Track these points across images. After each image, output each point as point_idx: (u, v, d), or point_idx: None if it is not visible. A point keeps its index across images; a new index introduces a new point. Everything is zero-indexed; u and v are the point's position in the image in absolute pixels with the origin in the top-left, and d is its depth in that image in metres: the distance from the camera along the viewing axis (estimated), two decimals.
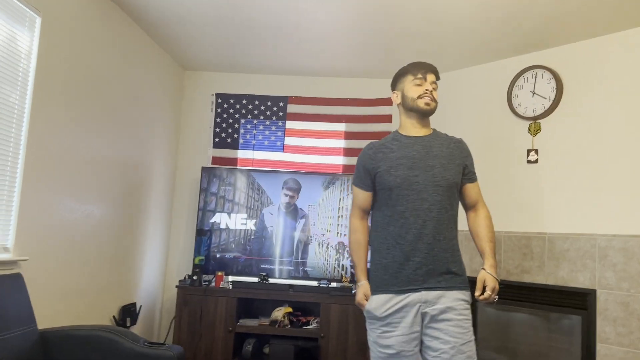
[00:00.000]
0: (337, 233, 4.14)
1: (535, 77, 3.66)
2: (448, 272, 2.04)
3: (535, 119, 3.64)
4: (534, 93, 3.66)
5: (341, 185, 4.17)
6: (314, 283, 4.09)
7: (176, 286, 4.01)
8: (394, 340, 2.00)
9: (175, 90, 4.53)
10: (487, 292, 2.00)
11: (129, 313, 3.70)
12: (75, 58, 2.96)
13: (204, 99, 4.68)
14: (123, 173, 3.61)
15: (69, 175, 2.96)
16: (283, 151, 4.52)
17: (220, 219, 4.22)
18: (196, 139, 4.66)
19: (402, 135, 2.19)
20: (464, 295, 2.05)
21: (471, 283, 2.09)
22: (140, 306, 3.95)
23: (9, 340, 2.16)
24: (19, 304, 2.29)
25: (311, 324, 3.97)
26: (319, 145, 4.49)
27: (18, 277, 2.36)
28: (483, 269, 2.05)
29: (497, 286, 2.02)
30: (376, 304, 2.05)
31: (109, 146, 3.39)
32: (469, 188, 2.20)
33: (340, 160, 4.46)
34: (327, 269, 4.12)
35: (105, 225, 3.40)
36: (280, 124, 4.54)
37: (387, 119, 4.43)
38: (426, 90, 2.14)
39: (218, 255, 4.18)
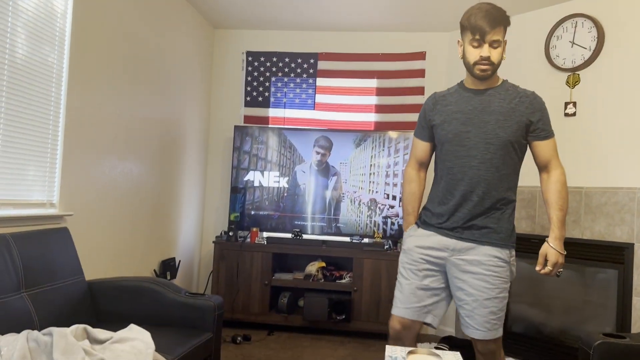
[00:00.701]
0: (369, 190, 4.16)
1: (575, 26, 3.53)
2: (485, 227, 2.00)
3: (574, 70, 3.53)
4: (573, 43, 3.53)
5: (373, 142, 4.17)
6: (347, 239, 4.15)
7: (213, 242, 4.13)
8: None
9: (206, 49, 4.55)
10: (548, 267, 1.94)
11: (168, 267, 3.85)
12: (109, 18, 2.99)
13: (234, 58, 4.68)
14: (159, 131, 3.69)
15: (107, 133, 3.04)
16: (314, 109, 4.52)
17: (254, 177, 4.29)
18: (228, 97, 4.69)
19: (464, 87, 2.07)
20: (499, 252, 1.99)
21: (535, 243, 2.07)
22: (179, 261, 4.09)
23: (61, 289, 2.28)
24: (68, 256, 2.41)
25: (344, 278, 4.05)
26: (350, 102, 4.46)
27: (65, 231, 2.48)
28: (546, 241, 1.98)
29: (561, 260, 1.94)
30: (413, 232, 2.14)
31: (143, 105, 3.45)
32: (537, 147, 2.02)
33: (371, 117, 4.43)
34: (359, 226, 4.16)
35: (143, 183, 3.50)
36: (310, 81, 4.52)
37: (420, 73, 4.36)
38: (482, 57, 1.93)
39: (252, 212, 4.26)
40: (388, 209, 4.12)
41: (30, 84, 2.40)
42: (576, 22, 3.52)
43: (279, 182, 4.28)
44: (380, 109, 4.42)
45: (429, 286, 2.06)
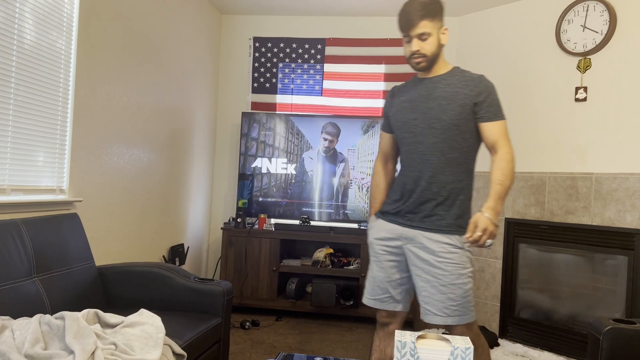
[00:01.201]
0: None
1: (587, 10, 3.48)
2: (434, 214, 2.01)
3: (585, 54, 3.48)
4: (584, 27, 3.48)
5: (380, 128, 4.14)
6: (354, 225, 4.15)
7: (221, 228, 4.14)
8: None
9: (213, 35, 4.52)
10: (477, 232, 1.86)
11: (177, 253, 3.86)
12: (116, 3, 2.98)
13: (241, 43, 4.66)
14: (167, 118, 3.69)
15: (115, 119, 3.04)
16: (321, 95, 4.50)
17: (262, 164, 4.29)
18: (235, 84, 4.67)
19: (416, 78, 2.13)
20: (449, 239, 1.98)
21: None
22: (188, 247, 4.11)
23: (72, 274, 2.30)
24: (78, 242, 2.43)
25: (352, 265, 4.06)
26: (358, 88, 4.44)
27: (75, 217, 2.49)
28: (480, 210, 1.93)
29: (491, 228, 1.86)
30: (372, 223, 2.18)
31: (151, 91, 3.45)
32: (483, 128, 2.02)
33: (379, 103, 4.41)
34: (367, 212, 4.16)
35: (152, 169, 3.50)
36: (318, 67, 4.50)
37: None
38: (412, 51, 2.01)
39: (260, 199, 4.27)
40: None
41: (38, 70, 2.40)
42: (588, 5, 3.47)
43: (286, 168, 4.28)
44: None
45: (392, 277, 2.10)
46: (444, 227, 1.99)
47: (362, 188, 4.17)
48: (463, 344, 1.68)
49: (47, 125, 2.49)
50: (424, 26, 1.98)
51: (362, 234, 3.99)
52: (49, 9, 2.45)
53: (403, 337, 1.71)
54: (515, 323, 3.72)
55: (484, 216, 1.88)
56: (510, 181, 1.95)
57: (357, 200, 4.18)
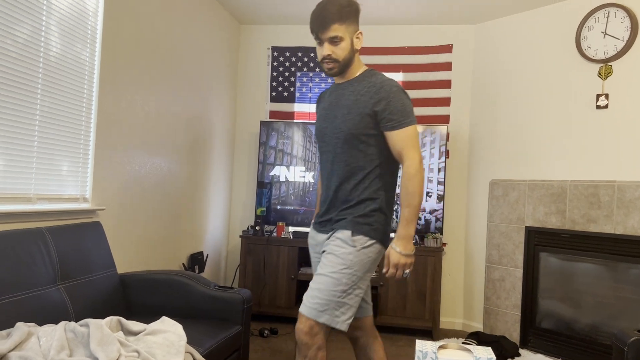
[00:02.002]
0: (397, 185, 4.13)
1: (608, 17, 3.44)
2: (340, 220, 1.96)
3: (606, 61, 3.45)
4: (605, 34, 3.45)
5: None
6: None
7: (240, 236, 4.16)
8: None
9: (232, 45, 4.58)
10: (390, 270, 1.86)
11: (197, 261, 3.90)
12: (138, 15, 3.04)
13: (260, 53, 4.70)
14: (187, 127, 3.73)
15: (137, 129, 3.09)
16: None
17: (280, 172, 4.31)
18: (254, 93, 4.71)
19: (334, 82, 2.09)
20: (342, 233, 1.90)
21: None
22: (207, 255, 4.14)
23: (95, 282, 2.33)
24: (100, 250, 2.46)
25: None
26: None
27: (97, 225, 2.53)
28: (391, 245, 1.89)
29: (402, 260, 1.83)
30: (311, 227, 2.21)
31: (172, 101, 3.50)
32: (387, 138, 1.91)
33: None
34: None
35: (172, 178, 3.55)
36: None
37: (447, 66, 4.31)
38: (323, 55, 1.93)
39: (279, 207, 4.29)
40: None
41: (63, 82, 2.45)
42: (608, 12, 3.44)
43: (304, 176, 4.29)
44: None
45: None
46: (345, 223, 1.92)
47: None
48: (485, 354, 1.67)
49: (71, 135, 2.54)
50: (336, 30, 1.89)
51: None
52: (74, 21, 2.50)
53: (424, 347, 1.70)
54: (537, 333, 3.67)
55: (394, 250, 1.85)
56: (417, 199, 1.84)
57: None
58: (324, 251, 1.96)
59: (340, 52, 1.92)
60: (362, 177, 1.93)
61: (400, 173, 1.98)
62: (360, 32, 1.96)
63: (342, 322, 1.84)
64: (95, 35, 2.68)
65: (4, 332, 1.68)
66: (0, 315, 1.78)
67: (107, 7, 2.72)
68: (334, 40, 1.90)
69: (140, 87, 3.09)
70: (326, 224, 2.03)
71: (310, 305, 1.84)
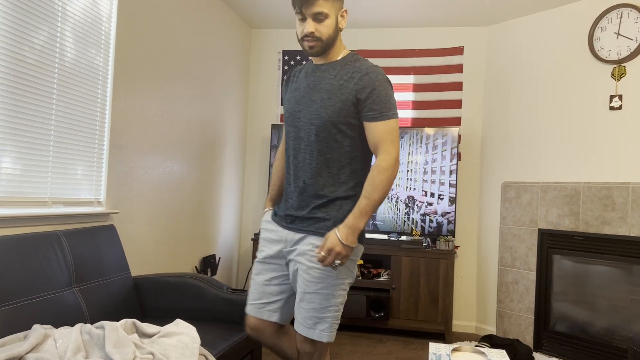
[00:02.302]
0: (407, 187, 4.13)
1: (621, 17, 3.42)
2: (313, 217, 1.79)
3: (619, 62, 3.42)
4: (618, 34, 3.42)
5: (410, 139, 4.14)
6: (384, 236, 4.14)
7: (252, 239, 4.18)
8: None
9: (243, 49, 4.60)
10: (321, 253, 1.70)
11: (209, 264, 3.91)
12: (151, 20, 3.07)
13: (271, 57, 4.72)
14: (199, 131, 3.76)
15: (150, 133, 3.11)
16: None
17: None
18: (265, 96, 4.73)
19: (311, 63, 1.89)
20: (321, 241, 1.77)
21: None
22: (220, 257, 4.16)
23: (109, 285, 2.36)
24: (115, 253, 2.48)
25: (382, 276, 4.04)
26: None
27: (111, 229, 2.55)
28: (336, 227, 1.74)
29: (337, 249, 1.67)
30: (263, 218, 1.98)
31: (184, 105, 3.52)
32: (366, 129, 1.77)
33: (409, 113, 4.40)
34: (397, 223, 4.14)
35: (185, 181, 3.57)
36: None
37: (458, 68, 4.30)
38: (305, 34, 1.77)
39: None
40: (426, 207, 4.08)
41: (78, 87, 2.48)
42: (621, 12, 3.41)
43: None
44: (417, 105, 4.38)
45: (271, 283, 1.91)
46: (323, 229, 1.78)
47: (392, 199, 4.16)
48: (499, 357, 1.66)
49: (86, 139, 2.56)
50: (322, 5, 1.73)
51: (393, 245, 3.97)
52: (88, 27, 2.54)
53: (438, 349, 1.70)
54: (551, 336, 3.64)
55: (334, 234, 1.69)
56: (381, 194, 1.69)
57: (387, 211, 4.17)
58: (286, 256, 1.87)
59: (324, 30, 1.76)
60: (337, 171, 1.78)
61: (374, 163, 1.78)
62: (345, 10, 1.82)
63: (334, 335, 1.82)
64: (109, 41, 2.71)
65: (21, 334, 1.70)
66: (18, 317, 1.80)
67: (120, 12, 2.75)
68: (319, 17, 1.74)
69: (153, 91, 3.11)
70: (296, 221, 1.83)
71: (308, 325, 1.79)
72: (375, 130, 1.73)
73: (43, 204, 2.30)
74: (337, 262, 1.67)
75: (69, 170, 2.46)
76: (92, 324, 2.03)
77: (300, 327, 1.80)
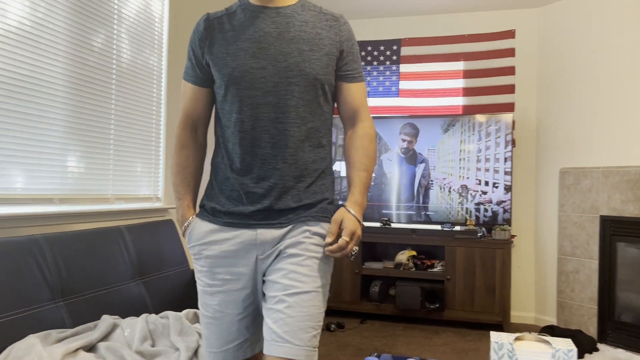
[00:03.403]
0: (460, 176, 4.06)
1: None
2: (301, 205, 1.36)
3: None
4: None
5: (462, 126, 4.05)
6: (437, 227, 4.08)
7: None
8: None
9: None
10: (343, 238, 1.32)
11: None
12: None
13: None
14: None
15: None
16: (398, 96, 4.47)
17: (340, 167, 4.32)
18: None
19: (248, 5, 1.40)
20: (321, 227, 1.37)
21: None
22: None
23: (170, 277, 2.43)
24: (174, 246, 2.56)
25: (436, 267, 3.99)
26: (436, 87, 4.37)
27: (170, 223, 2.63)
28: (343, 206, 1.38)
29: (359, 231, 1.35)
30: (196, 231, 1.39)
31: None
32: (345, 90, 1.44)
33: (459, 101, 4.31)
34: (450, 213, 4.08)
35: None
36: (394, 68, 4.48)
37: (510, 52, 4.18)
38: None
39: (340, 202, 4.30)
40: (480, 195, 4.00)
41: (134, 87, 2.57)
42: None
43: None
44: (468, 91, 4.29)
45: (248, 312, 1.37)
46: (316, 212, 1.38)
47: (444, 189, 4.10)
48: (565, 345, 1.61)
49: (144, 138, 2.65)
50: None
51: (446, 235, 3.91)
52: (142, 28, 2.62)
53: (499, 338, 1.66)
54: (616, 327, 3.50)
55: (351, 215, 1.35)
56: (374, 166, 1.44)
57: (439, 201, 4.11)
58: (261, 263, 1.34)
59: None
60: (318, 144, 1.41)
61: (356, 132, 1.44)
62: None
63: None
64: (162, 41, 2.78)
65: (91, 324, 1.79)
66: (88, 308, 1.89)
67: (171, 12, 2.82)
68: None
69: None
70: (272, 214, 1.34)
71: (301, 342, 1.26)
72: (357, 93, 1.44)
73: (106, 200, 2.40)
74: (356, 249, 1.37)
75: (129, 168, 2.55)
76: (156, 314, 2.10)
77: (283, 347, 1.25)
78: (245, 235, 1.33)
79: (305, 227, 1.34)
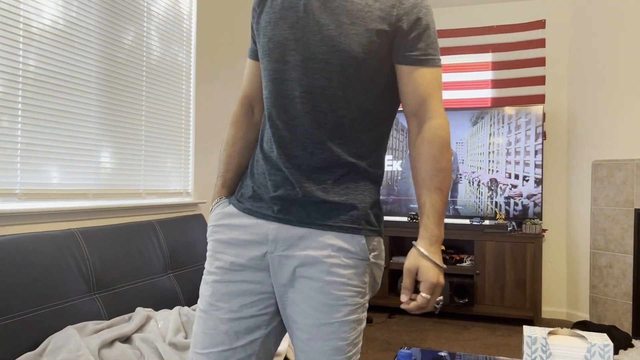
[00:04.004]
0: (489, 170, 4.00)
1: None
2: (325, 202, 1.11)
3: None
4: None
5: (491, 119, 4.00)
6: (466, 221, 4.04)
7: None
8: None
9: None
10: (422, 296, 1.06)
11: None
12: (229, 16, 3.15)
13: None
14: None
15: None
16: None
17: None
18: None
19: None
20: (346, 242, 1.10)
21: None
22: None
23: (200, 270, 2.47)
24: (203, 240, 2.60)
25: (465, 262, 3.95)
26: (464, 79, 4.31)
27: (200, 217, 2.67)
28: (414, 246, 1.09)
29: (442, 280, 1.07)
30: (215, 211, 1.23)
31: None
32: (408, 77, 1.13)
33: (488, 93, 4.25)
34: (479, 207, 4.03)
35: None
36: None
37: (540, 43, 4.09)
38: None
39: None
40: (510, 189, 3.94)
41: (164, 83, 2.61)
42: None
43: (392, 165, 4.26)
44: (497, 83, 4.22)
45: (242, 313, 1.13)
46: (343, 222, 1.11)
47: (473, 182, 4.05)
48: (601, 340, 1.58)
49: (173, 133, 2.69)
50: None
51: (475, 229, 3.87)
52: (171, 25, 2.65)
53: (533, 332, 1.64)
54: None
55: (430, 263, 1.05)
56: (450, 179, 1.11)
57: (468, 195, 4.06)
58: (273, 264, 1.13)
59: None
60: (355, 135, 1.15)
61: (421, 134, 1.13)
62: None
63: None
64: (190, 37, 2.81)
65: (126, 316, 1.83)
66: (123, 300, 1.94)
67: (199, 9, 2.85)
68: None
69: (233, 83, 3.21)
70: (293, 207, 1.13)
71: None
72: (421, 80, 1.12)
73: (138, 195, 2.44)
74: (441, 298, 1.10)
75: (160, 163, 2.59)
76: (187, 306, 2.13)
77: None
78: (259, 226, 1.14)
79: (328, 241, 1.10)
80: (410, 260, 1.07)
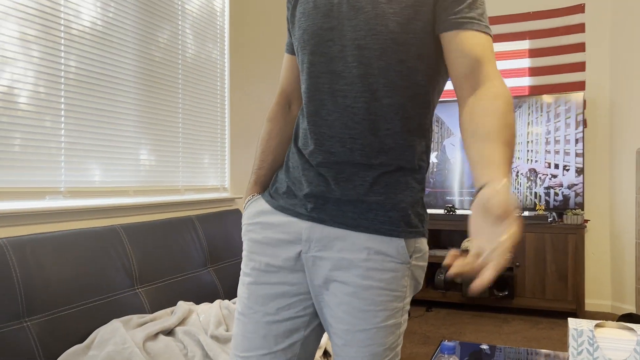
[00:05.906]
0: (527, 160, 3.91)
1: None
2: (362, 201, 1.04)
3: None
4: None
5: (528, 108, 3.90)
6: None
7: None
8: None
9: None
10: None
11: None
12: (262, 13, 3.16)
13: None
14: None
15: None
16: None
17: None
18: None
19: None
20: (385, 244, 1.02)
21: None
22: None
23: (237, 265, 2.50)
24: (240, 235, 2.63)
25: None
26: (501, 67, 4.22)
27: (237, 212, 2.70)
28: (483, 188, 0.82)
29: (514, 209, 0.81)
30: (249, 209, 1.17)
31: None
32: (457, 41, 0.99)
33: (525, 81, 4.15)
34: (518, 198, 3.95)
35: None
36: None
37: (580, 28, 3.96)
38: None
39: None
40: (550, 179, 3.84)
41: (199, 81, 2.64)
42: None
43: None
44: (534, 71, 4.11)
45: (279, 316, 1.09)
46: (382, 223, 1.03)
47: (512, 173, 3.97)
48: None
49: (209, 130, 2.72)
50: None
51: None
52: (205, 22, 2.68)
53: (579, 325, 1.60)
54: None
55: (502, 195, 0.77)
56: (515, 143, 0.92)
57: None
58: (308, 264, 1.07)
59: None
60: (401, 126, 1.04)
61: (481, 92, 0.96)
62: None
63: None
64: (224, 34, 2.84)
65: (168, 310, 1.86)
66: (166, 294, 1.98)
67: (232, 6, 2.87)
68: None
69: (267, 79, 3.22)
70: (327, 206, 1.06)
71: None
72: (469, 42, 0.98)
73: (177, 191, 2.49)
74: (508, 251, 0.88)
75: (197, 160, 2.63)
76: (228, 300, 2.16)
77: None
78: (292, 225, 1.08)
79: (365, 243, 1.03)
80: (482, 198, 0.79)
